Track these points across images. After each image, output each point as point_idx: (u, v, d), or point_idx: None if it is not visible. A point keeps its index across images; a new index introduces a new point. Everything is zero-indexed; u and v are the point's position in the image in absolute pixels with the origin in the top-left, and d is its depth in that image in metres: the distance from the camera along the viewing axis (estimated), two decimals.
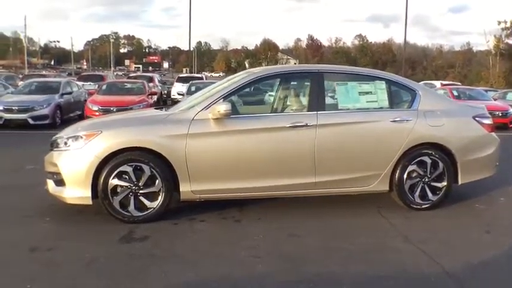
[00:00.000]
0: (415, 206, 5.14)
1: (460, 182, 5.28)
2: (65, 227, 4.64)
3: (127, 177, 4.64)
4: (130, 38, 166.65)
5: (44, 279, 3.46)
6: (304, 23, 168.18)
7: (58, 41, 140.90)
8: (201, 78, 25.15)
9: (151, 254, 3.94)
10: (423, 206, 5.16)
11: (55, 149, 4.87)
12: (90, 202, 4.65)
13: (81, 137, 4.71)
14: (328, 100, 5.09)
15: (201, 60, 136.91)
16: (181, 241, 4.27)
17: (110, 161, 4.61)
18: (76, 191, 4.65)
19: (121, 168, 4.62)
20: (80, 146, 4.67)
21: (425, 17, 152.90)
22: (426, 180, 5.15)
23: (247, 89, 5.52)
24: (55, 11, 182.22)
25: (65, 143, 4.77)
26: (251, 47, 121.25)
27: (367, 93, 5.16)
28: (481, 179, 5.53)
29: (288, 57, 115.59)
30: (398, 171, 5.06)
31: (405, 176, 5.08)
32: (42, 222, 4.74)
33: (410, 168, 5.09)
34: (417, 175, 5.13)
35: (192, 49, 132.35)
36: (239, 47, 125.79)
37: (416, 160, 5.10)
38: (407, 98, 5.33)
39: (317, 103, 4.97)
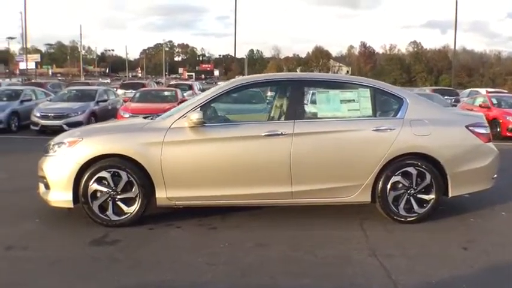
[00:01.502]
0: (399, 219, 4.93)
1: (450, 195, 5.01)
2: (48, 228, 4.87)
3: (106, 182, 4.79)
4: (184, 47, 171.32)
5: (4, 275, 3.69)
6: (358, 30, 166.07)
7: (113, 50, 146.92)
8: None
9: (114, 258, 4.05)
10: (408, 219, 4.94)
11: (45, 154, 5.09)
12: (71, 205, 4.84)
13: (65, 144, 4.92)
14: (308, 109, 5.01)
15: (253, 68, 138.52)
16: (147, 246, 4.35)
17: (90, 167, 4.77)
18: (59, 194, 4.86)
19: (100, 174, 4.77)
20: (63, 152, 4.88)
21: (484, 23, 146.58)
22: (412, 192, 4.93)
23: (246, 96, 5.55)
24: (113, 21, 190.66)
25: (52, 149, 4.99)
26: (303, 54, 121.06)
27: (349, 101, 5.02)
28: (476, 192, 5.22)
29: (340, 64, 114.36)
30: (381, 182, 4.88)
31: (388, 187, 4.89)
32: (30, 223, 4.99)
33: (394, 179, 4.89)
34: (402, 186, 4.92)
35: (244, 57, 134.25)
36: (291, 55, 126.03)
37: (400, 171, 4.90)
38: (393, 106, 5.14)
39: (295, 112, 4.90)
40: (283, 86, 5.27)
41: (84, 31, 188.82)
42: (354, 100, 5.03)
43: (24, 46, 48.77)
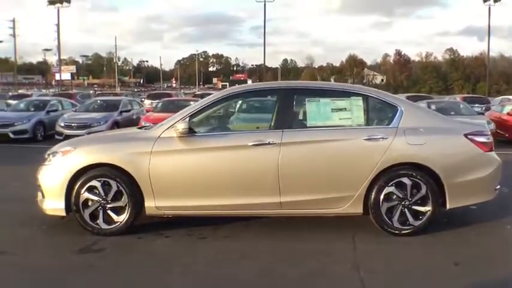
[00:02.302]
0: (393, 231, 4.74)
1: (448, 207, 4.80)
2: (42, 235, 4.98)
3: (97, 191, 4.84)
4: (219, 57, 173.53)
5: None
6: (393, 38, 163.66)
7: (147, 61, 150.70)
8: None
9: (91, 265, 4.10)
10: (403, 232, 4.74)
11: (42, 164, 5.20)
12: (64, 213, 4.92)
13: (58, 153, 5.01)
14: (298, 118, 4.92)
15: (286, 78, 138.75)
16: (130, 255, 4.38)
17: (81, 176, 4.84)
18: (53, 202, 4.95)
19: (91, 183, 4.83)
20: (57, 162, 4.98)
21: None
22: (406, 203, 4.74)
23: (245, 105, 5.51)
24: (150, 32, 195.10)
25: (48, 158, 5.09)
26: (337, 63, 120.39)
27: (340, 110, 4.90)
28: (476, 204, 4.98)
29: (375, 73, 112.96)
30: (373, 192, 4.72)
31: (381, 198, 4.72)
32: (28, 229, 5.10)
33: (387, 189, 4.72)
34: (396, 198, 4.74)
35: (278, 66, 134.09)
36: (324, 64, 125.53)
37: (394, 181, 4.72)
38: (387, 114, 4.98)
39: (284, 121, 4.82)
40: (274, 94, 5.20)
41: (121, 43, 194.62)
42: (345, 109, 4.90)
43: (58, 58, 50.46)
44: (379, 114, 5.13)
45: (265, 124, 5.06)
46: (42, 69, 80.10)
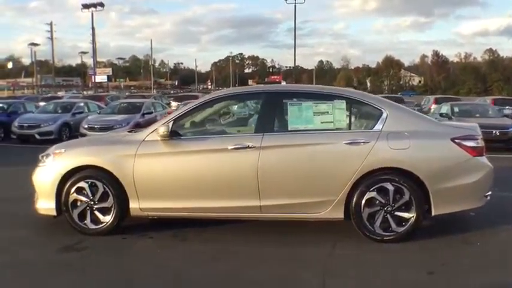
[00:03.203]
0: (375, 237, 4.65)
1: (433, 213, 4.67)
2: (34, 234, 5.16)
3: (85, 192, 4.98)
4: (254, 59, 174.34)
5: None
6: (431, 39, 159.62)
7: (182, 63, 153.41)
8: None
9: (68, 264, 4.26)
10: (386, 238, 4.65)
11: (37, 165, 5.40)
12: (54, 213, 5.09)
13: (51, 155, 5.19)
14: (279, 121, 4.90)
15: (322, 79, 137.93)
16: (109, 254, 4.51)
17: (70, 177, 4.99)
18: (45, 202, 5.14)
19: (79, 184, 4.99)
20: (49, 163, 5.16)
21: None
22: (389, 209, 4.64)
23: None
24: (187, 35, 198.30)
25: (41, 160, 5.28)
26: (373, 64, 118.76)
27: (322, 113, 4.84)
28: (463, 210, 4.83)
29: (412, 74, 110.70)
30: (355, 198, 4.65)
31: (363, 203, 4.64)
32: (24, 229, 5.29)
33: (369, 195, 4.64)
34: (378, 203, 4.65)
35: (314, 68, 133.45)
36: (360, 65, 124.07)
37: (376, 186, 4.63)
38: (370, 118, 4.89)
39: (264, 124, 4.82)
40: (257, 98, 5.20)
41: (159, 45, 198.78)
42: (327, 112, 4.84)
43: (93, 60, 51.96)
44: (363, 117, 5.04)
45: (248, 128, 5.07)
46: (81, 71, 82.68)
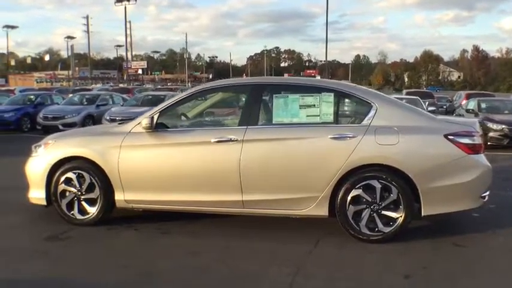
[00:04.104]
0: (361, 237, 4.46)
1: (423, 214, 4.43)
2: (26, 222, 5.26)
3: (73, 183, 5.02)
4: (290, 53, 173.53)
5: None
6: (472, 33, 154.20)
7: (216, 57, 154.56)
8: None
9: (45, 252, 4.31)
10: (372, 238, 4.45)
11: (30, 155, 5.48)
12: (45, 203, 5.14)
13: (41, 146, 5.25)
14: (264, 114, 4.77)
15: (358, 74, 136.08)
16: (90, 244, 4.54)
17: (59, 168, 5.04)
18: (35, 192, 5.21)
19: (67, 175, 5.04)
20: (39, 154, 5.23)
21: None
22: (375, 208, 4.44)
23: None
24: (225, 28, 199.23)
25: (34, 151, 5.35)
26: (411, 59, 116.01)
27: (309, 106, 4.67)
28: (456, 212, 4.56)
29: (451, 69, 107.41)
30: (340, 195, 4.47)
31: (348, 201, 4.46)
32: (18, 217, 5.42)
33: (354, 192, 4.45)
34: (365, 201, 4.45)
35: (351, 62, 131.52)
36: (398, 60, 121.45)
37: (361, 184, 4.44)
38: (359, 112, 4.69)
39: (249, 117, 4.69)
40: (241, 91, 5.08)
41: (196, 39, 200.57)
42: (314, 105, 4.66)
43: (126, 53, 52.95)
44: (351, 111, 4.85)
45: (233, 121, 4.96)
46: (118, 65, 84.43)
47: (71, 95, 19.72)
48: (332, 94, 4.69)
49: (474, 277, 3.77)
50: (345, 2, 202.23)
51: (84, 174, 4.97)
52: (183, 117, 5.31)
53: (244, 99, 4.88)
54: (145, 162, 4.85)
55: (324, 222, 4.74)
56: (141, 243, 4.56)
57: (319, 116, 4.65)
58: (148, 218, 5.20)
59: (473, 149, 4.47)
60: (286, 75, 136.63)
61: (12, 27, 63.73)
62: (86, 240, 4.61)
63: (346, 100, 4.81)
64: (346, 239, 4.48)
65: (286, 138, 4.58)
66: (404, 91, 23.23)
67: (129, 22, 50.33)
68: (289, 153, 4.56)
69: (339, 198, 4.47)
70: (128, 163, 4.84)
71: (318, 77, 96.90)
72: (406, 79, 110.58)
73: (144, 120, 4.76)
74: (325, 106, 4.65)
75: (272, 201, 4.61)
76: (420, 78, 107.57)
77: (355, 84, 5.22)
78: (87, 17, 57.83)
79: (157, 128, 4.87)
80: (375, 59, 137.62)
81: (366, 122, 4.54)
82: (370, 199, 4.44)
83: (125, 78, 59.21)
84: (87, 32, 57.53)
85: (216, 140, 4.63)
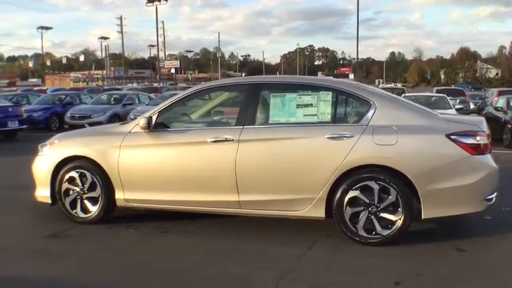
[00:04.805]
0: (358, 239, 4.33)
1: (423, 217, 4.26)
2: (29, 220, 5.40)
3: (76, 182, 5.11)
4: (324, 51, 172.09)
5: None
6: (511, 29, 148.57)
7: (249, 55, 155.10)
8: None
9: (43, 250, 4.41)
10: (370, 241, 4.31)
11: (37, 154, 5.61)
12: (50, 201, 5.24)
13: (47, 145, 5.37)
14: (260, 114, 4.69)
15: (393, 71, 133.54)
16: (88, 242, 4.60)
17: (63, 167, 5.13)
18: (41, 191, 5.34)
19: (70, 174, 5.14)
20: (45, 153, 5.35)
21: None
22: (373, 210, 4.30)
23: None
24: (259, 27, 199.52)
25: (40, 150, 5.48)
26: (447, 56, 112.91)
27: (306, 105, 4.57)
28: (459, 215, 4.36)
29: (488, 66, 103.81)
30: (337, 196, 4.35)
31: (345, 202, 4.33)
32: (22, 215, 5.56)
33: (351, 194, 4.32)
34: (362, 203, 4.32)
35: (385, 59, 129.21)
36: (434, 57, 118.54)
37: (359, 185, 4.31)
38: (358, 111, 4.56)
39: (246, 117, 4.64)
40: (240, 90, 5.01)
41: (230, 38, 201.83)
42: (312, 104, 4.56)
43: (157, 53, 53.82)
44: (350, 110, 4.71)
45: (231, 120, 4.91)
46: (152, 64, 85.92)
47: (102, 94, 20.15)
48: (330, 93, 4.58)
49: (468, 285, 3.58)
50: None
51: (86, 173, 5.05)
52: (182, 117, 5.31)
53: (242, 99, 4.82)
54: (144, 162, 4.88)
55: (324, 223, 4.61)
56: (139, 242, 4.59)
57: (316, 115, 4.54)
58: (149, 217, 5.23)
59: (477, 150, 4.26)
60: (320, 73, 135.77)
61: (47, 28, 65.46)
62: (84, 239, 4.68)
63: (345, 98, 4.68)
64: (343, 242, 4.36)
65: (282, 138, 4.50)
66: (434, 89, 22.58)
67: (162, 22, 51.16)
68: (284, 153, 4.48)
69: (336, 199, 4.36)
70: (127, 163, 4.88)
71: (351, 76, 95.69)
72: (442, 76, 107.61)
73: (142, 120, 4.79)
74: (323, 105, 4.55)
75: (268, 202, 4.54)
76: (457, 75, 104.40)
77: (357, 82, 5.08)
78: (120, 18, 59.30)
79: (157, 128, 4.89)
80: (410, 56, 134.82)
81: (364, 121, 4.41)
82: (368, 201, 4.31)
83: (157, 77, 60.25)
84: (121, 32, 59.00)
85: (212, 139, 4.60)
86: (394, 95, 4.92)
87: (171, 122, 5.08)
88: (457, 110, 13.96)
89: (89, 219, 5.07)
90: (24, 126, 13.34)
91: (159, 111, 4.94)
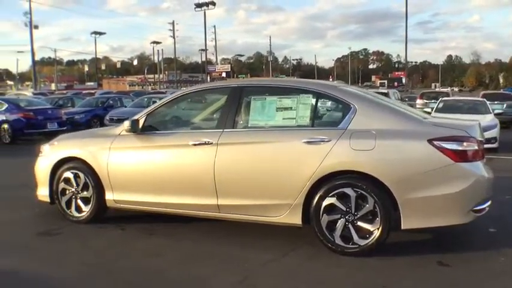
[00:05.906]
0: (335, 249, 4.16)
1: (402, 227, 4.04)
2: (27, 218, 5.61)
3: (71, 182, 5.30)
4: (379, 54, 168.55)
5: None
6: None
7: (301, 59, 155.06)
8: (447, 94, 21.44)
9: (26, 246, 4.60)
10: (346, 251, 4.14)
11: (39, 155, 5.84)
12: (49, 200, 5.46)
13: (47, 146, 5.60)
14: (240, 117, 4.64)
15: (450, 75, 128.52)
16: (72, 241, 4.73)
17: (60, 167, 5.33)
18: (41, 190, 5.56)
19: (65, 175, 5.32)
20: (45, 154, 5.58)
21: None
22: (351, 218, 4.13)
23: None
24: (313, 31, 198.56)
25: (41, 151, 5.71)
26: (507, 59, 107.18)
27: (286, 109, 4.47)
28: (442, 227, 4.09)
29: None
30: (314, 203, 4.22)
31: (322, 209, 4.19)
32: (22, 212, 5.79)
33: (328, 200, 4.17)
34: (339, 210, 4.16)
35: (442, 63, 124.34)
36: (492, 60, 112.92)
37: (336, 191, 4.15)
38: (337, 114, 4.40)
39: (225, 120, 4.61)
40: (223, 93, 4.97)
41: (284, 42, 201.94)
42: (291, 107, 4.46)
43: (205, 57, 54.75)
44: (330, 113, 4.56)
45: (213, 124, 4.89)
46: (203, 68, 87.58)
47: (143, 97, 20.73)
48: (310, 96, 4.46)
49: None
50: (439, 1, 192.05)
51: (80, 174, 5.22)
52: (169, 120, 5.37)
53: (224, 102, 4.80)
54: (130, 164, 4.98)
55: (310, 231, 4.49)
56: (121, 243, 4.66)
57: (295, 118, 4.44)
58: (141, 219, 5.32)
59: (462, 156, 3.98)
60: (374, 77, 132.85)
61: (100, 33, 68.19)
62: (72, 237, 4.83)
63: (326, 101, 4.54)
64: (320, 251, 4.22)
65: (259, 142, 4.43)
66: (481, 93, 21.49)
67: (214, 26, 52.19)
68: (261, 157, 4.40)
69: (313, 206, 4.23)
70: (116, 164, 5.00)
71: (404, 80, 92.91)
72: (501, 80, 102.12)
73: (126, 123, 4.89)
74: (302, 108, 4.44)
75: (246, 207, 4.48)
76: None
77: (337, 84, 4.91)
78: (172, 23, 61.02)
79: (145, 130, 4.97)
80: (468, 60, 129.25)
81: (343, 125, 4.25)
82: (345, 208, 4.14)
83: (209, 81, 61.43)
84: (173, 37, 60.68)
85: (193, 143, 4.61)
86: (379, 98, 4.69)
87: (158, 125, 5.14)
88: (496, 114, 13.17)
89: (82, 219, 5.23)
90: (64, 128, 13.95)
91: (147, 114, 5.03)
